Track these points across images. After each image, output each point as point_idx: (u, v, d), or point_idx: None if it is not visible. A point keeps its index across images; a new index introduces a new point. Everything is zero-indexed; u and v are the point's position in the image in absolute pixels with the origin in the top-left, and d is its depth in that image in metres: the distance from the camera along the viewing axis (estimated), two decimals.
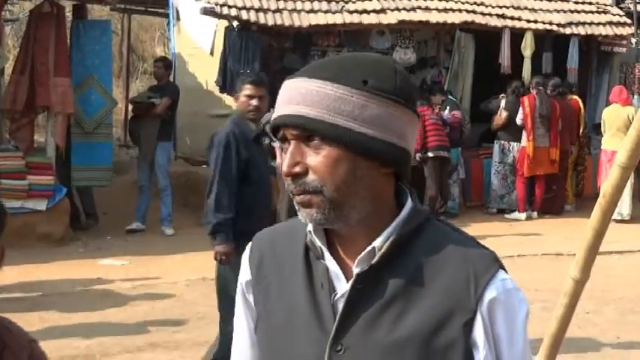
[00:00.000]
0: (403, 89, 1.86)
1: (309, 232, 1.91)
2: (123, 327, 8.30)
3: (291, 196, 1.88)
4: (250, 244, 2.09)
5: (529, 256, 11.49)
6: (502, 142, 14.81)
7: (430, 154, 13.50)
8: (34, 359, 2.36)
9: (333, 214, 1.83)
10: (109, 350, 7.63)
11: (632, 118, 13.20)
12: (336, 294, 1.88)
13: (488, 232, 12.60)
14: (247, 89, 6.78)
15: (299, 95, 1.83)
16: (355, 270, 1.86)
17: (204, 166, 14.61)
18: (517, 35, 15.16)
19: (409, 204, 1.90)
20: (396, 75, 1.86)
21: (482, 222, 13.82)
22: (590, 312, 8.67)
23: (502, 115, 14.62)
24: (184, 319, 8.63)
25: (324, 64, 1.89)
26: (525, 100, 14.36)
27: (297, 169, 1.83)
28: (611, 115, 14.25)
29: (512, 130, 14.61)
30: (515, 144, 14.67)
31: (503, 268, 1.87)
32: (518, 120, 14.40)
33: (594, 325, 8.46)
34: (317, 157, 1.82)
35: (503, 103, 14.67)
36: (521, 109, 14.35)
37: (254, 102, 6.74)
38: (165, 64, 13.58)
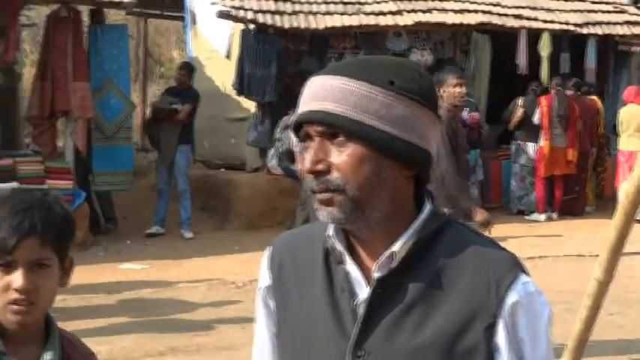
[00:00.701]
0: (427, 91, 1.86)
1: (329, 236, 1.90)
2: (144, 331, 8.31)
3: (309, 195, 1.87)
4: (269, 248, 2.08)
5: (550, 257, 11.45)
6: (518, 142, 14.80)
7: None
8: None
9: (355, 214, 1.81)
10: (130, 355, 7.64)
11: None
12: (356, 299, 1.87)
13: (509, 234, 12.55)
14: (453, 79, 7.31)
15: (325, 92, 1.81)
16: (375, 275, 1.85)
17: (223, 169, 14.66)
18: (534, 36, 15.11)
19: (428, 207, 1.89)
20: (420, 77, 1.86)
21: (502, 223, 13.73)
22: (615, 313, 8.61)
23: (518, 113, 14.60)
24: (205, 323, 8.63)
25: (349, 63, 1.89)
26: (543, 99, 14.33)
27: (321, 166, 1.81)
28: (628, 116, 14.19)
29: (529, 130, 14.58)
30: (531, 144, 14.64)
31: (525, 271, 1.86)
32: (536, 119, 14.38)
33: (618, 326, 8.41)
34: (341, 155, 1.80)
35: (520, 102, 14.66)
36: (538, 108, 14.31)
37: (462, 89, 7.33)
38: (189, 71, 13.63)
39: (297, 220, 12.01)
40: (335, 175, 1.80)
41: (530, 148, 14.68)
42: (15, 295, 2.17)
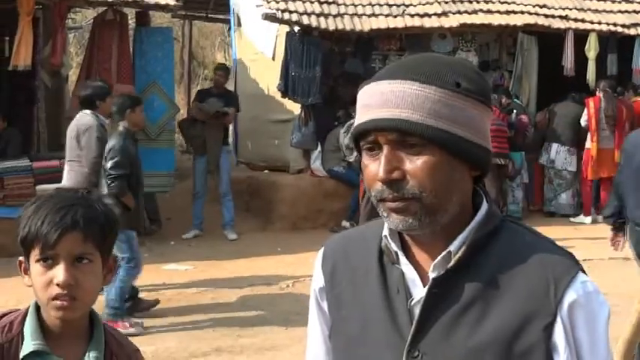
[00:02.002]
0: (486, 89, 1.86)
1: (385, 236, 1.89)
2: (188, 332, 8.34)
3: (375, 203, 1.84)
4: (322, 250, 2.08)
5: (596, 260, 11.32)
6: (546, 143, 14.74)
7: None
8: None
9: (427, 220, 1.80)
10: (175, 355, 7.67)
11: None
12: (412, 299, 1.86)
13: (553, 236, 12.28)
14: None
15: (396, 98, 1.78)
16: (431, 275, 1.84)
17: (266, 171, 14.69)
18: (580, 37, 14.97)
19: (484, 207, 1.88)
20: (480, 76, 1.86)
21: (547, 225, 13.65)
22: None
23: (538, 118, 14.76)
24: (249, 324, 8.64)
25: (412, 66, 1.84)
26: (590, 101, 14.21)
27: (396, 174, 1.79)
28: None
29: (555, 132, 14.57)
30: (555, 145, 14.58)
31: (583, 271, 1.85)
32: (583, 122, 14.27)
33: None
34: (417, 162, 1.78)
35: (552, 107, 14.68)
36: (585, 110, 14.21)
37: None
38: (227, 72, 13.69)
39: (361, 216, 12.01)
40: (411, 184, 1.78)
41: (554, 148, 14.59)
42: (57, 290, 2.19)
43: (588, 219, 14.25)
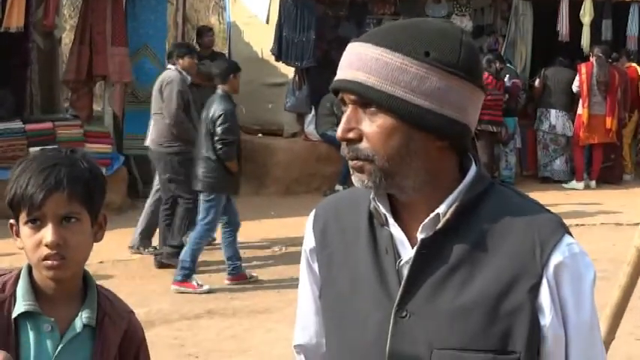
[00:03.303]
0: (467, 62, 1.84)
1: (373, 198, 1.91)
2: (180, 294, 8.37)
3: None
4: (314, 211, 2.10)
5: (587, 225, 11.38)
6: (541, 109, 14.73)
7: (479, 127, 13.34)
8: (131, 328, 2.40)
9: (385, 183, 1.84)
10: (167, 317, 7.72)
11: None
12: (400, 260, 1.88)
13: (545, 202, 12.17)
14: None
15: (359, 61, 1.82)
16: (420, 236, 1.86)
17: (260, 134, 14.67)
18: (575, 2, 14.91)
19: (472, 170, 1.90)
20: (461, 47, 1.84)
21: (539, 191, 13.69)
22: None
23: (535, 84, 14.69)
24: (241, 287, 8.68)
25: (387, 31, 1.86)
26: (582, 67, 14.20)
27: (351, 134, 1.84)
28: None
29: (551, 98, 14.57)
30: (554, 111, 14.58)
31: (570, 233, 1.87)
32: (575, 87, 14.27)
33: None
34: (372, 126, 1.82)
35: (542, 72, 14.64)
36: (577, 76, 14.21)
37: None
38: (212, 33, 13.74)
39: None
40: (364, 145, 1.83)
41: (553, 114, 14.59)
42: (47, 251, 2.20)
43: (580, 184, 14.29)
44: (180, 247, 8.84)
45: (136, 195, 12.62)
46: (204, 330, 7.54)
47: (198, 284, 8.49)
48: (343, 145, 1.86)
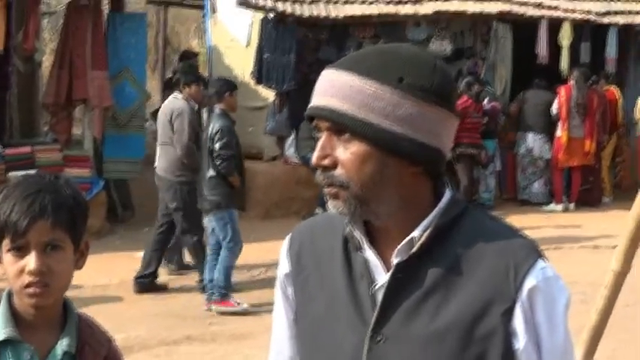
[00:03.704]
0: (441, 88, 1.84)
1: (349, 223, 1.92)
2: (160, 319, 8.34)
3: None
4: (289, 236, 2.11)
5: (566, 248, 11.41)
6: (519, 132, 14.80)
7: (459, 151, 13.37)
8: (111, 355, 2.39)
9: (360, 209, 1.84)
10: (146, 343, 7.67)
11: None
12: (375, 284, 1.89)
13: (525, 224, 12.45)
14: None
15: (332, 88, 1.82)
16: (394, 260, 1.87)
17: None
18: (555, 25, 15.01)
19: (447, 195, 1.91)
20: (435, 72, 1.84)
21: (519, 214, 13.73)
22: (630, 305, 8.57)
23: (511, 108, 14.81)
24: (220, 311, 8.64)
25: (361, 57, 1.87)
26: (562, 89, 14.28)
27: (326, 161, 1.84)
28: None
29: (528, 121, 14.65)
30: (530, 134, 14.65)
31: (543, 257, 1.87)
32: (554, 110, 14.34)
33: (634, 317, 8.37)
34: (346, 152, 1.82)
35: (521, 95, 14.73)
36: (556, 98, 14.28)
37: None
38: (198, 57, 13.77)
39: None
40: (339, 172, 1.83)
41: (530, 137, 14.66)
42: (29, 278, 2.18)
43: (559, 207, 14.32)
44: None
45: (115, 219, 12.58)
46: (183, 356, 7.50)
47: (237, 303, 8.65)
48: (318, 171, 1.86)
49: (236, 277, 9.85)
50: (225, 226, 8.65)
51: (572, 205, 14.53)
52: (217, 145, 8.53)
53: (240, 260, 10.42)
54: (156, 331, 7.96)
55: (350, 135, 1.81)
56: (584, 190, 14.72)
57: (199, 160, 9.06)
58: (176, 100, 9.51)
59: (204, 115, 10.81)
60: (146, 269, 9.38)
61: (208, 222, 8.83)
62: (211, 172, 8.59)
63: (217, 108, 8.83)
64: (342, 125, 1.81)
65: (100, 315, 7.68)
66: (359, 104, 1.79)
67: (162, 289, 9.37)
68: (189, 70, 10.00)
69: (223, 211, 8.68)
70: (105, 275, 9.63)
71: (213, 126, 8.63)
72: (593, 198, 14.80)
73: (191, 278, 9.70)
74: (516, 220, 13.02)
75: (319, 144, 1.85)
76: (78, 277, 2.34)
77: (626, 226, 2.49)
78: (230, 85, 9.12)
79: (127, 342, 7.46)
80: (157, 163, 9.68)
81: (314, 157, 1.85)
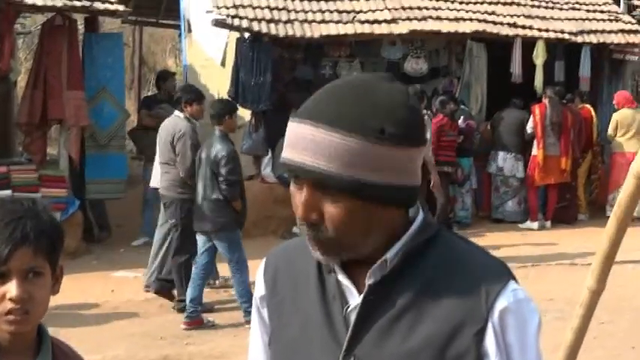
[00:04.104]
0: (415, 126, 1.84)
1: None
2: (136, 340, 8.30)
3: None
4: (265, 259, 2.11)
5: (543, 265, 11.46)
6: (493, 152, 14.85)
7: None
8: None
9: (346, 254, 1.86)
10: None
11: None
12: (348, 306, 1.90)
13: (502, 242, 12.57)
14: None
15: (315, 146, 1.78)
16: (367, 282, 1.87)
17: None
18: (529, 44, 15.12)
19: (420, 217, 1.92)
20: (410, 112, 1.83)
21: (495, 231, 13.79)
22: (606, 322, 8.62)
23: (482, 128, 14.88)
24: (197, 332, 8.62)
25: (339, 105, 1.81)
26: (536, 108, 14.35)
27: (314, 217, 1.83)
28: (629, 119, 14.68)
29: (501, 140, 14.73)
30: (502, 153, 14.71)
31: (514, 279, 1.89)
32: (529, 129, 14.41)
33: (610, 334, 8.42)
34: (333, 209, 1.81)
35: (499, 115, 14.83)
36: (531, 117, 14.36)
37: None
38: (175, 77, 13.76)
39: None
40: (328, 227, 1.82)
41: (500, 156, 14.73)
42: (10, 305, 2.17)
43: (535, 224, 14.38)
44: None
45: (91, 239, 12.54)
46: None
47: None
48: (304, 224, 1.85)
49: (214, 296, 9.84)
50: (229, 247, 8.78)
51: (548, 223, 14.60)
52: (224, 171, 8.63)
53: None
54: (133, 352, 7.93)
55: (336, 191, 1.79)
56: (561, 208, 14.79)
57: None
58: (178, 120, 9.49)
59: None
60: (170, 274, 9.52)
61: (204, 242, 8.83)
62: (216, 195, 8.69)
63: (217, 130, 8.87)
64: (330, 186, 1.79)
65: (76, 336, 7.67)
66: (346, 164, 1.77)
67: (172, 299, 9.43)
68: (189, 89, 9.98)
69: (231, 232, 8.81)
70: (81, 295, 9.58)
71: (219, 150, 8.68)
72: (569, 215, 14.87)
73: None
74: (493, 237, 13.10)
75: (304, 200, 1.82)
76: (54, 297, 2.34)
77: (600, 245, 2.51)
78: (231, 108, 9.18)
79: None
80: (158, 183, 9.68)
81: (299, 211, 1.83)
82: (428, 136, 11.72)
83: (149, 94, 19.23)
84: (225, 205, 8.69)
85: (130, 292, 10.10)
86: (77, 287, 9.52)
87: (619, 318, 8.95)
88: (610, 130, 14.78)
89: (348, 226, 1.81)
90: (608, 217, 2.46)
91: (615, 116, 14.77)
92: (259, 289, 2.08)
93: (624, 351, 8.00)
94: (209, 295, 9.74)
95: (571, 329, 3.07)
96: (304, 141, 1.80)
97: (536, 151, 14.37)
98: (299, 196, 1.84)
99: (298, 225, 2.01)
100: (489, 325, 1.81)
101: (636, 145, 14.58)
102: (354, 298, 1.89)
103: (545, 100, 14.34)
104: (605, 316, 8.64)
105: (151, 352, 7.95)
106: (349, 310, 1.89)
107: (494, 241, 12.66)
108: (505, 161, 14.72)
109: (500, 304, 1.82)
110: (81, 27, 13.98)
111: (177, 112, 9.57)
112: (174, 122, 9.49)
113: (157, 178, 9.72)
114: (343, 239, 1.82)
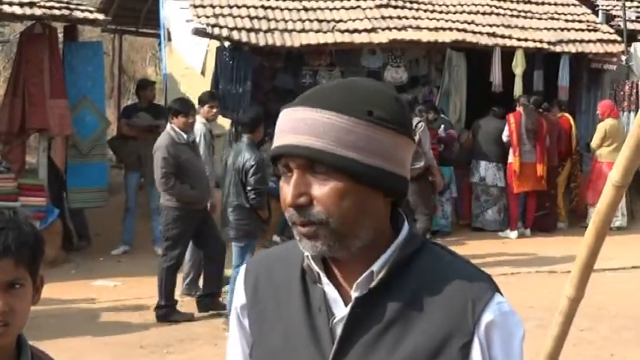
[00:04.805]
0: (403, 117, 1.86)
1: (307, 256, 1.91)
2: (116, 349, 8.26)
3: (290, 225, 1.87)
4: (244, 267, 2.09)
5: (523, 273, 11.49)
6: (472, 160, 14.88)
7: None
8: None
9: (338, 245, 1.83)
10: None
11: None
12: (334, 318, 1.88)
13: (482, 250, 12.60)
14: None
15: (305, 126, 1.80)
16: (354, 294, 1.86)
17: None
18: (508, 53, 15.19)
19: (405, 228, 1.91)
20: (397, 104, 1.87)
21: (476, 239, 13.83)
22: (585, 329, 8.66)
23: (463, 138, 14.87)
24: (177, 341, 8.59)
25: (326, 93, 1.86)
26: (511, 116, 14.40)
27: (302, 199, 1.82)
28: (614, 130, 14.69)
29: (481, 150, 14.76)
30: (483, 162, 14.75)
31: (500, 292, 1.89)
32: (505, 137, 14.45)
33: (589, 342, 8.45)
34: (323, 189, 1.81)
35: (477, 123, 14.86)
36: (507, 125, 14.41)
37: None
38: (152, 87, 13.74)
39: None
40: (317, 209, 1.81)
41: (482, 166, 14.76)
42: None
43: (514, 233, 14.41)
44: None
45: (70, 248, 12.49)
46: None
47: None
48: (291, 211, 1.83)
49: (195, 305, 9.81)
50: (244, 254, 8.79)
51: (528, 231, 14.65)
52: (252, 180, 8.70)
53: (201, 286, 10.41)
54: None
55: (327, 171, 1.80)
56: (540, 216, 14.85)
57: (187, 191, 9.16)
58: (163, 133, 9.50)
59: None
60: (206, 289, 9.57)
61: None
62: (241, 202, 8.76)
63: (246, 138, 8.98)
64: (320, 162, 1.79)
65: (56, 345, 7.64)
66: (334, 140, 1.78)
67: (222, 307, 9.38)
68: (178, 101, 9.92)
69: (252, 239, 8.93)
70: (60, 304, 9.54)
71: (247, 158, 8.74)
72: (548, 224, 14.93)
73: (147, 306, 9.63)
74: (473, 246, 13.14)
75: (293, 183, 1.82)
76: (33, 307, 2.33)
77: (579, 253, 2.52)
78: (261, 117, 9.27)
79: None
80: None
81: (288, 197, 1.82)
82: (427, 145, 11.85)
83: (129, 103, 19.17)
84: (250, 212, 8.78)
85: (109, 301, 10.05)
86: (56, 296, 9.47)
87: (598, 325, 8.99)
88: (597, 140, 14.79)
89: (338, 207, 1.80)
90: (587, 224, 2.49)
91: (602, 126, 14.78)
92: (240, 298, 2.06)
93: (604, 358, 8.03)
94: (189, 304, 9.72)
95: (550, 337, 3.09)
96: (294, 122, 1.83)
97: (512, 158, 14.43)
98: (287, 186, 1.84)
99: (287, 217, 1.96)
100: (475, 339, 1.82)
101: (617, 156, 14.69)
102: (340, 310, 1.88)
103: (520, 108, 14.40)
104: (584, 324, 8.68)
105: None
106: (335, 322, 1.88)
107: (474, 249, 12.69)
108: (487, 170, 14.75)
109: (487, 317, 1.82)
110: (60, 36, 13.93)
111: (168, 127, 9.52)
112: (164, 138, 9.44)
113: None
114: (332, 222, 1.80)
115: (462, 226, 14.98)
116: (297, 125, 1.82)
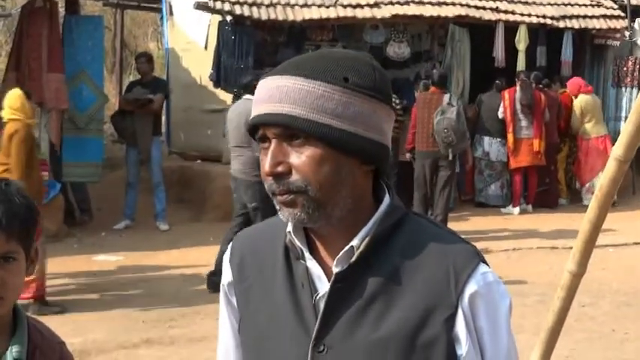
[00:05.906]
0: (382, 85, 1.85)
1: (289, 232, 1.90)
2: (118, 323, 8.29)
3: (270, 196, 1.86)
4: (231, 244, 2.08)
5: (524, 249, 11.49)
6: (476, 135, 14.85)
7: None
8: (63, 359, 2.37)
9: (317, 213, 1.81)
10: (104, 347, 7.61)
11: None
12: (317, 294, 1.87)
13: (484, 226, 12.61)
14: None
15: (280, 93, 1.80)
16: (335, 269, 1.85)
17: (199, 161, 14.62)
18: (511, 29, 15.14)
19: (386, 200, 1.89)
20: (375, 71, 1.85)
21: (478, 215, 13.83)
22: (586, 305, 8.67)
23: (475, 110, 14.84)
24: (179, 315, 8.61)
25: (301, 62, 1.85)
26: (505, 93, 14.39)
27: (280, 168, 1.81)
28: (590, 106, 14.87)
29: (486, 124, 14.73)
30: (487, 138, 14.73)
31: (484, 262, 1.87)
32: (500, 113, 14.44)
33: (590, 318, 8.46)
34: (301, 156, 1.80)
35: (479, 98, 14.83)
36: (502, 102, 14.39)
37: None
38: (148, 59, 13.57)
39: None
40: (295, 177, 1.80)
41: (486, 141, 14.74)
42: None
43: (516, 210, 14.40)
44: None
45: (72, 223, 12.50)
46: (142, 359, 7.46)
47: None
48: (269, 181, 1.82)
49: (195, 279, 9.83)
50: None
51: (529, 207, 14.65)
52: None
53: (200, 262, 10.44)
54: (114, 335, 7.91)
55: (304, 139, 1.79)
56: (542, 192, 14.84)
57: None
58: (249, 103, 9.45)
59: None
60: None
61: None
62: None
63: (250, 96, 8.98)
64: (296, 129, 1.78)
65: (56, 319, 7.65)
66: (310, 107, 1.77)
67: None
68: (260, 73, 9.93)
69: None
70: (62, 278, 9.56)
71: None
72: (550, 200, 14.93)
73: (149, 281, 9.65)
74: (475, 221, 13.15)
75: (270, 152, 1.81)
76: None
77: (581, 228, 2.51)
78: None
79: (84, 346, 7.41)
80: (231, 166, 9.74)
81: (266, 166, 1.81)
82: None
83: (131, 78, 19.15)
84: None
85: (111, 275, 10.08)
86: (59, 270, 9.49)
87: (600, 301, 9.00)
88: (578, 117, 14.83)
89: (316, 174, 1.79)
90: (585, 204, 2.48)
91: (578, 103, 14.84)
92: (226, 275, 2.05)
93: (605, 334, 8.05)
94: (190, 280, 9.74)
95: (552, 312, 3.09)
96: (270, 91, 1.82)
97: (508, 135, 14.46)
98: (265, 156, 1.83)
99: (267, 187, 1.95)
100: (459, 311, 1.80)
101: (602, 129, 14.86)
102: (323, 285, 1.87)
103: (517, 84, 14.37)
104: (586, 299, 8.69)
105: (132, 335, 7.94)
106: (318, 298, 1.87)
107: (476, 224, 12.70)
108: (491, 146, 14.73)
109: (470, 288, 1.81)
110: (61, 10, 13.89)
111: (248, 96, 9.47)
112: (246, 105, 9.41)
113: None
114: (311, 190, 1.79)
115: (464, 201, 14.98)
116: (272, 94, 1.81)
